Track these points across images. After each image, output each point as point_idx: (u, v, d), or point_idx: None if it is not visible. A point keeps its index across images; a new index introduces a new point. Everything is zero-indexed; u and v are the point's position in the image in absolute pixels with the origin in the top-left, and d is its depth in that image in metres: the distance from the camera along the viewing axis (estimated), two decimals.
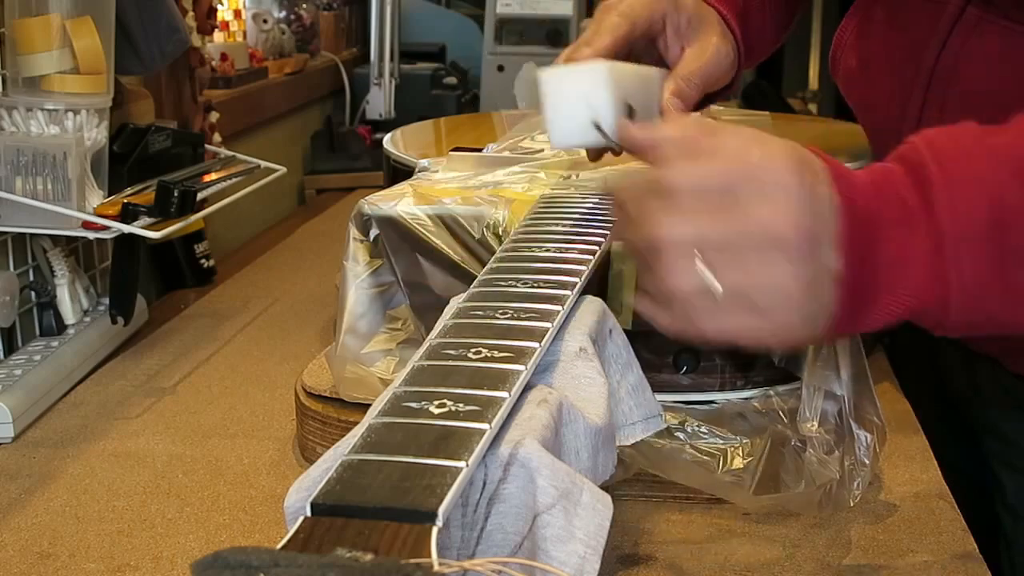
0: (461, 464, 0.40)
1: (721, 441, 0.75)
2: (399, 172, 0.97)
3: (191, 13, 1.39)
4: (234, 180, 1.19)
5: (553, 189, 0.81)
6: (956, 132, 0.56)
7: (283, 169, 1.26)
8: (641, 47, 0.82)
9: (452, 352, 0.50)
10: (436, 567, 0.35)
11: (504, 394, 0.46)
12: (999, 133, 0.56)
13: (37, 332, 1.07)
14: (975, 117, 0.56)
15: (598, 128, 0.65)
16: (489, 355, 0.50)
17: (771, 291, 0.53)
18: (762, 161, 0.53)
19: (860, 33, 0.87)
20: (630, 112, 0.68)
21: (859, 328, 0.57)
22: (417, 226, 0.79)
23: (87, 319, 1.10)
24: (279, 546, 0.37)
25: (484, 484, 0.44)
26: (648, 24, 0.80)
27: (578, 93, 0.66)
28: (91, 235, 1.01)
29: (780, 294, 0.53)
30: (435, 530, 0.37)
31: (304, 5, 2.06)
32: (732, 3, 0.86)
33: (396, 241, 0.80)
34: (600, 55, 0.76)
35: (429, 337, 0.54)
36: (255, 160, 1.26)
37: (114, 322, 1.10)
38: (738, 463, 0.74)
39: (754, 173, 0.53)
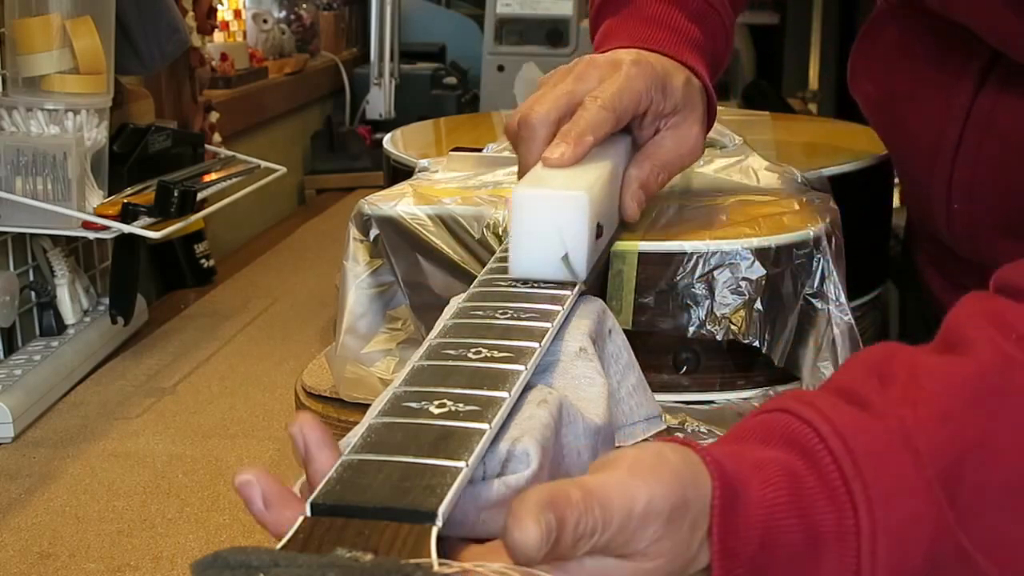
0: (461, 464, 0.40)
1: None
2: (399, 172, 0.97)
3: (191, 13, 1.39)
4: (234, 180, 1.19)
5: None
6: (878, 437, 0.46)
7: (283, 169, 1.26)
8: None
9: (452, 352, 0.50)
10: (436, 567, 0.35)
11: (504, 394, 0.46)
12: (923, 429, 0.46)
13: (37, 332, 1.07)
14: (1014, 164, 0.52)
15: (565, 261, 0.60)
16: (489, 355, 0.50)
17: None
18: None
19: (876, 57, 0.85)
20: (599, 231, 0.64)
21: None
22: (417, 226, 0.79)
23: (87, 319, 1.10)
24: (279, 546, 0.37)
25: (484, 479, 0.44)
26: (632, 115, 0.71)
27: (552, 222, 0.60)
28: (91, 235, 1.01)
29: None
30: (435, 530, 0.37)
31: (304, 5, 2.06)
32: (707, 62, 0.79)
33: (396, 241, 0.79)
34: (580, 160, 0.65)
35: (429, 337, 0.54)
36: (255, 160, 1.26)
37: (114, 322, 1.10)
38: None
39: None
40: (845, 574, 0.44)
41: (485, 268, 0.64)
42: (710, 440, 0.75)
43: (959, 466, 0.46)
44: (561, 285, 0.59)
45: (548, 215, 0.60)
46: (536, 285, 0.59)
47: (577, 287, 0.59)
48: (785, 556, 0.44)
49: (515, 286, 0.59)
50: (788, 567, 0.44)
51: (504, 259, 0.65)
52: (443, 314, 0.59)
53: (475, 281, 0.62)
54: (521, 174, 0.69)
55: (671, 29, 0.77)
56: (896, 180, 0.96)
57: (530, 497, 0.38)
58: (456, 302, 0.59)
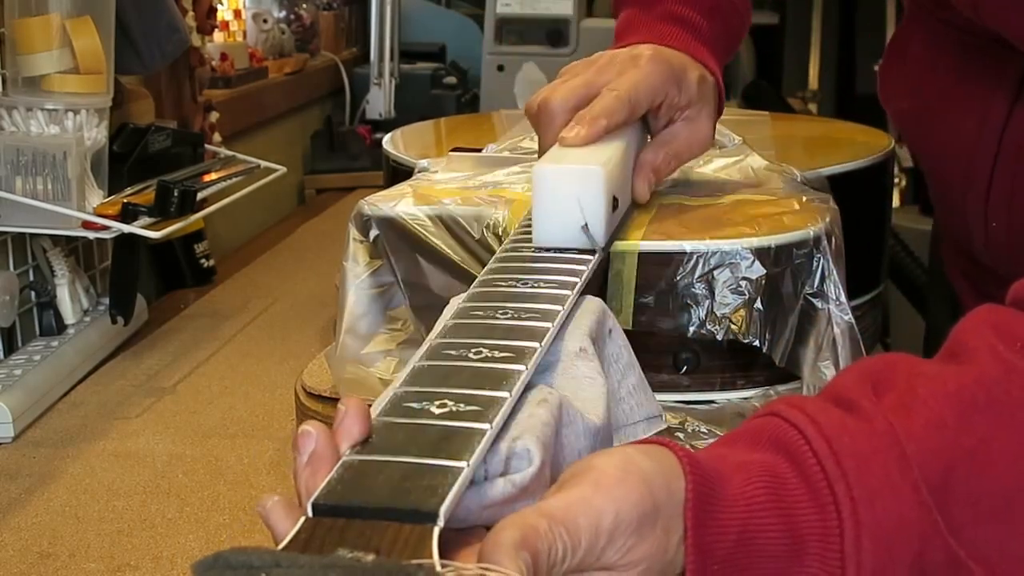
0: (462, 464, 0.40)
1: None
2: (399, 172, 0.97)
3: (191, 13, 1.39)
4: (234, 180, 1.19)
5: None
6: (865, 440, 0.45)
7: (283, 169, 1.26)
8: None
9: (452, 352, 0.50)
10: (438, 567, 0.35)
11: (505, 394, 0.46)
12: (913, 435, 0.46)
13: (37, 332, 1.07)
14: None
15: (585, 230, 0.65)
16: (489, 355, 0.50)
17: None
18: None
19: (905, 73, 0.85)
20: (615, 204, 0.68)
21: None
22: (417, 226, 0.79)
23: (87, 319, 1.10)
24: (280, 546, 0.37)
25: (486, 479, 0.44)
26: (647, 107, 0.75)
27: (572, 194, 0.65)
28: (91, 235, 1.01)
29: None
30: (436, 530, 0.37)
31: (304, 5, 2.06)
32: (719, 58, 0.83)
33: (396, 241, 0.79)
34: (594, 141, 0.70)
35: (429, 337, 0.54)
36: (255, 160, 1.26)
37: (114, 322, 1.10)
38: None
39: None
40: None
41: (485, 268, 0.64)
42: (710, 440, 0.76)
43: (950, 473, 0.45)
44: (562, 285, 0.59)
45: (568, 188, 0.65)
46: (536, 285, 0.59)
47: (577, 287, 0.60)
48: (764, 557, 0.44)
49: (515, 286, 0.59)
50: (767, 568, 0.44)
51: (504, 259, 0.65)
52: (443, 314, 0.59)
53: (475, 281, 0.62)
54: (540, 154, 0.74)
55: (688, 26, 0.81)
56: (896, 179, 0.96)
57: (503, 539, 0.38)
58: (456, 302, 0.59)
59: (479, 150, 0.96)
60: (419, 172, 0.92)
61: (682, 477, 0.43)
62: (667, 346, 0.76)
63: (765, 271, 0.71)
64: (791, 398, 0.48)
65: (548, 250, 0.65)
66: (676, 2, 0.82)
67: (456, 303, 0.59)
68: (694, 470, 0.44)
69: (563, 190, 0.65)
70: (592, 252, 0.65)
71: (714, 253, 0.71)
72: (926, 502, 0.44)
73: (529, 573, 0.38)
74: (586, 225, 0.65)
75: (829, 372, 0.74)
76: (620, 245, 0.70)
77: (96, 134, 1.01)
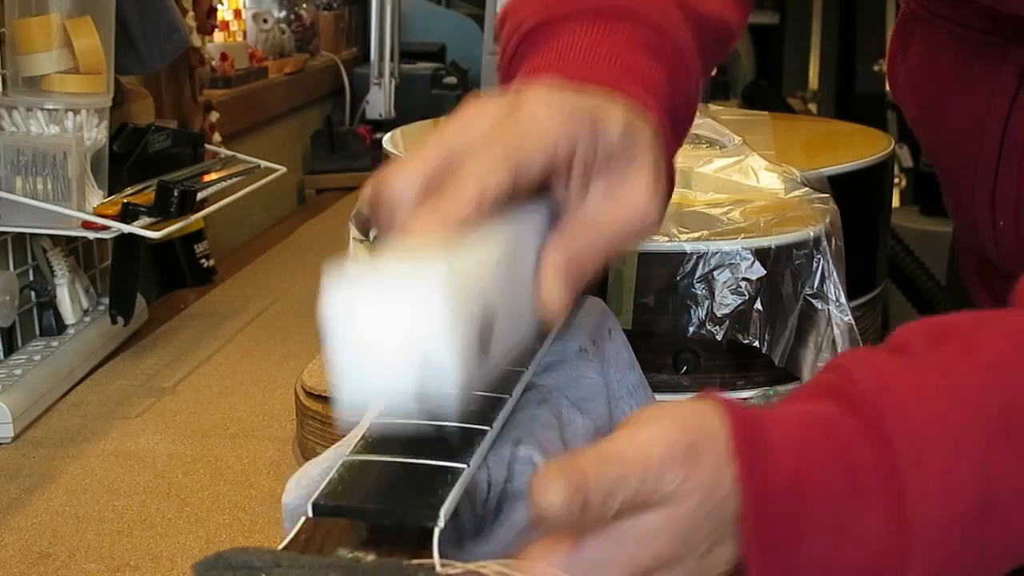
0: (463, 465, 0.40)
1: None
2: None
3: (191, 13, 1.39)
4: (234, 180, 1.19)
5: None
6: (917, 375, 0.44)
7: (283, 169, 1.26)
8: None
9: None
10: (438, 568, 0.35)
11: (505, 395, 0.46)
12: (972, 372, 0.44)
13: (37, 332, 1.07)
14: None
15: (420, 396, 0.39)
16: None
17: None
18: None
19: (907, 70, 0.84)
20: (489, 328, 0.41)
21: None
22: None
23: (87, 319, 1.10)
24: (281, 547, 0.37)
25: (490, 486, 0.44)
26: (544, 166, 0.47)
27: (396, 323, 0.38)
28: (91, 235, 1.01)
29: None
30: (437, 531, 0.37)
31: (304, 5, 2.06)
32: (663, 102, 0.56)
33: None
34: (453, 232, 0.43)
35: None
36: (255, 160, 1.26)
37: (114, 322, 1.10)
38: None
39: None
40: (890, 515, 0.42)
41: None
42: None
43: (1012, 408, 0.43)
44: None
45: (379, 324, 0.38)
46: None
47: None
48: (823, 495, 0.42)
49: None
50: (827, 508, 0.42)
51: None
52: None
53: None
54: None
55: (608, 55, 0.56)
56: (896, 179, 0.96)
57: (548, 468, 0.38)
58: None
59: None
60: None
61: (720, 415, 0.42)
62: (667, 346, 0.77)
63: (765, 271, 0.71)
64: (849, 352, 0.48)
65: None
66: (595, 31, 0.57)
67: None
68: (732, 411, 0.43)
69: (372, 328, 0.38)
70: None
71: (714, 253, 0.71)
72: (987, 431, 0.42)
73: (576, 494, 0.37)
74: (424, 384, 0.38)
75: None
76: None
77: (96, 134, 1.01)
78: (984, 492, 0.42)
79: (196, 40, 1.41)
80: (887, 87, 0.90)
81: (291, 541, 0.37)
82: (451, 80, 2.19)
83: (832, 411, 0.43)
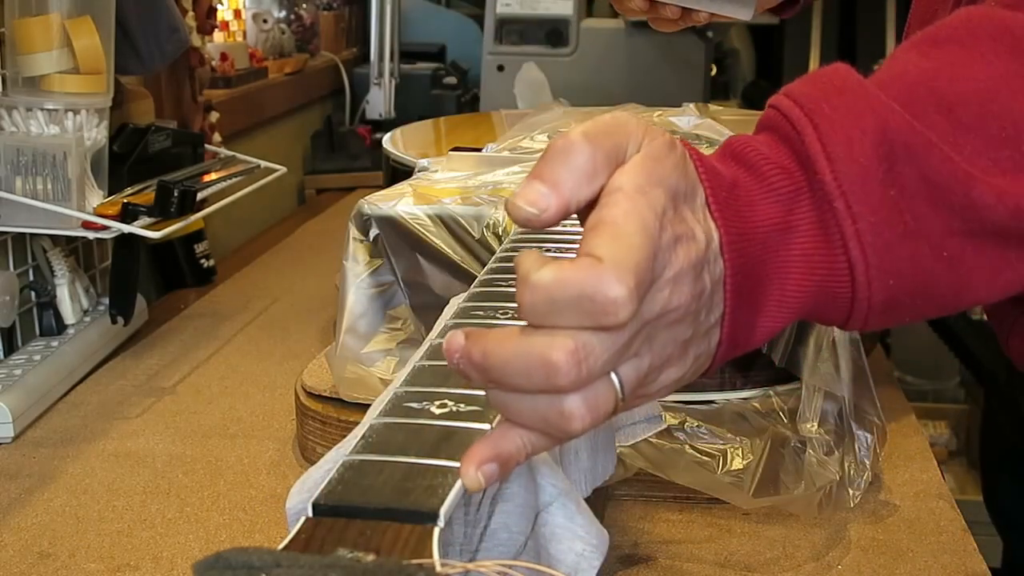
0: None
1: (721, 441, 0.75)
2: (399, 172, 0.97)
3: (191, 13, 1.39)
4: (234, 180, 1.19)
5: None
6: (821, 75, 0.51)
7: (283, 169, 1.26)
8: None
9: None
10: (438, 568, 0.35)
11: None
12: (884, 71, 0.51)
13: (37, 332, 1.07)
14: None
15: None
16: None
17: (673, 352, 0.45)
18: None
19: None
20: None
21: (752, 341, 0.48)
22: (417, 226, 0.79)
23: (87, 319, 1.10)
24: (281, 547, 0.37)
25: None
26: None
27: None
28: (91, 235, 1.01)
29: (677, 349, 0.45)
30: (437, 530, 0.37)
31: (304, 5, 2.06)
32: None
33: (396, 241, 0.80)
34: None
35: (429, 337, 0.54)
36: (255, 160, 1.26)
37: (114, 322, 1.10)
38: (738, 463, 0.74)
39: None
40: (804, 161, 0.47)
41: (485, 268, 0.64)
42: (711, 440, 0.76)
43: (914, 89, 0.49)
44: None
45: None
46: None
47: None
48: (763, 174, 0.48)
49: (515, 286, 0.59)
50: (767, 184, 0.48)
51: (504, 259, 0.65)
52: (443, 314, 0.59)
53: (475, 281, 0.62)
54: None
55: None
56: None
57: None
58: (456, 302, 0.59)
59: (479, 150, 0.96)
60: (419, 172, 0.92)
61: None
62: None
63: None
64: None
65: None
66: None
67: (456, 303, 0.59)
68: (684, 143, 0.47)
69: None
70: None
71: None
72: (886, 100, 0.48)
73: None
74: None
75: (829, 372, 0.74)
76: None
77: (96, 134, 1.01)
78: (885, 142, 0.47)
79: (196, 40, 1.41)
80: None
81: (291, 541, 0.37)
82: (451, 80, 2.19)
83: (766, 137, 0.50)
